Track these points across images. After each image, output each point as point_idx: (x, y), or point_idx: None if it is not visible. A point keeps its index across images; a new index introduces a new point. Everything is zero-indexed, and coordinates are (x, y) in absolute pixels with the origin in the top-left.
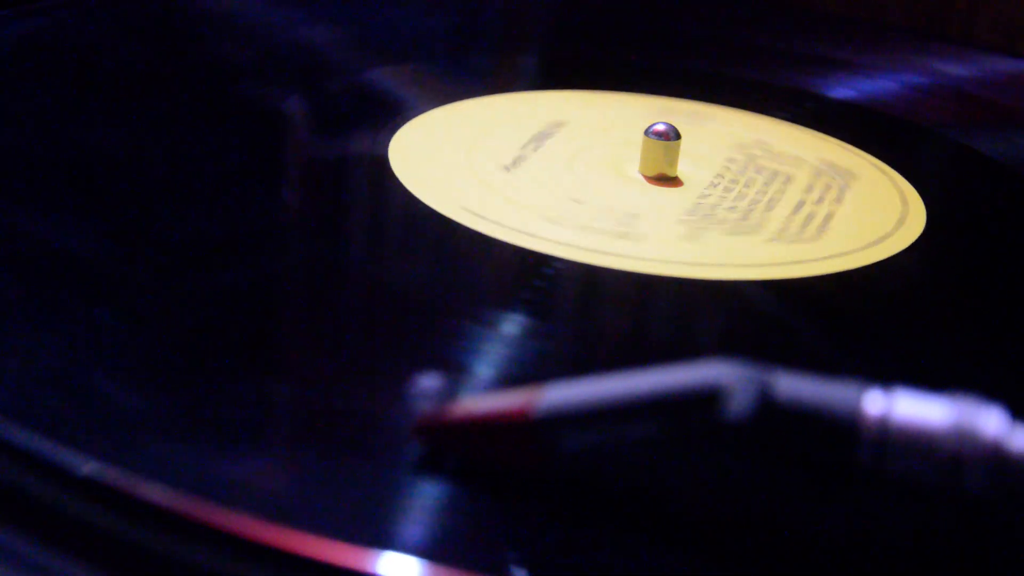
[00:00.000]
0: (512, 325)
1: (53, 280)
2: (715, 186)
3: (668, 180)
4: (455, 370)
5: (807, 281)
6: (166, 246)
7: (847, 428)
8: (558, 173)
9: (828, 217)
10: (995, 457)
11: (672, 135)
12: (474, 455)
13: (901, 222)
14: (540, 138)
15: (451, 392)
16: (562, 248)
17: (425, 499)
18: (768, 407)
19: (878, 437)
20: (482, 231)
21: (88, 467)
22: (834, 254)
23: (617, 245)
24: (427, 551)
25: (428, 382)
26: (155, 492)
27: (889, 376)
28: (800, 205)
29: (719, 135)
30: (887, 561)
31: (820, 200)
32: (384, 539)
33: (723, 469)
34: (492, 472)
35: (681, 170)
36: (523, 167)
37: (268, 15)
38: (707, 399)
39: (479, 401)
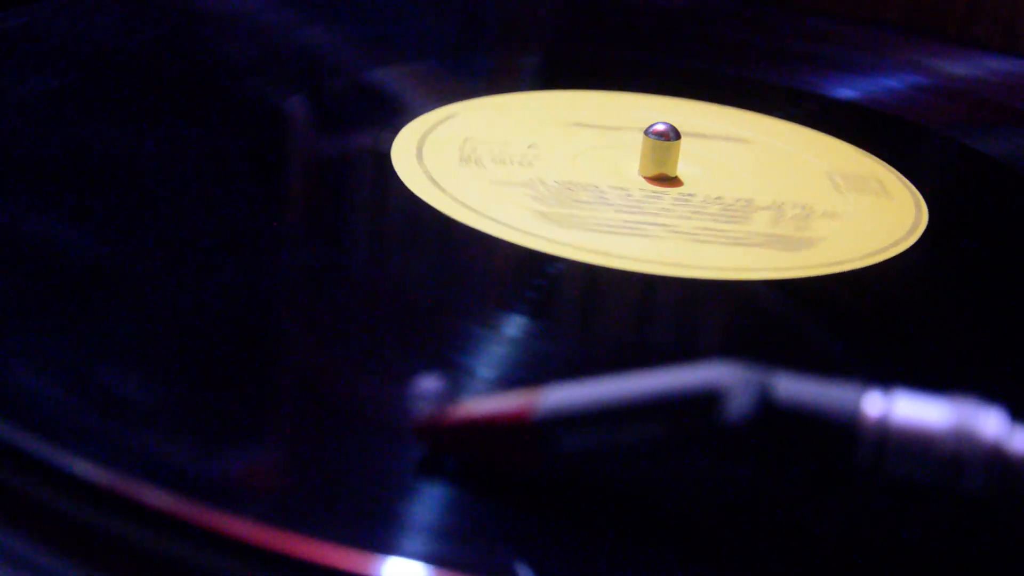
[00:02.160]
0: (513, 326)
1: (53, 279)
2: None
3: (668, 180)
4: (456, 371)
5: (807, 282)
6: (167, 245)
7: (847, 429)
8: (559, 173)
9: (827, 217)
10: (994, 458)
11: (672, 135)
12: (475, 457)
13: (902, 222)
14: (540, 139)
15: (452, 394)
16: (563, 248)
17: (426, 501)
18: (768, 408)
19: (878, 438)
20: (484, 231)
21: (88, 468)
22: (834, 255)
23: (618, 245)
24: (427, 553)
25: (429, 384)
26: (156, 494)
27: (889, 377)
28: (797, 205)
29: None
30: (887, 561)
31: (815, 203)
32: (384, 541)
33: (723, 470)
34: (493, 474)
35: (681, 170)
36: (524, 167)
37: (271, 15)
38: (707, 400)
39: (480, 403)
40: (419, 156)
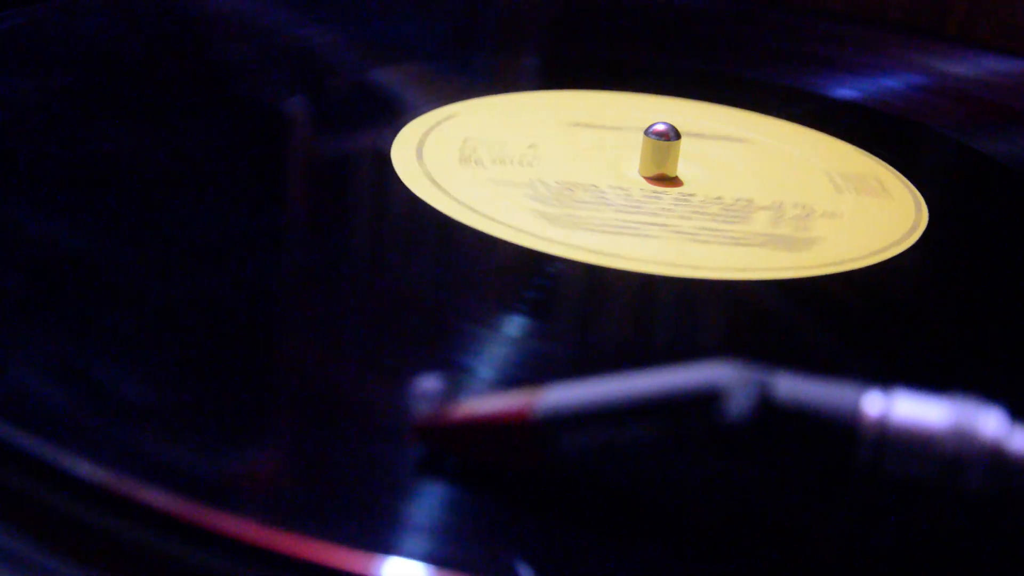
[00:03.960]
0: (513, 326)
1: (53, 279)
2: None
3: (668, 180)
4: (456, 371)
5: (807, 282)
6: (167, 245)
7: (847, 429)
8: (559, 173)
9: (827, 217)
10: (994, 457)
11: (672, 135)
12: (475, 456)
13: (902, 223)
14: (538, 138)
15: (452, 393)
16: (563, 248)
17: (426, 500)
18: (768, 408)
19: (878, 438)
20: (484, 231)
21: (87, 468)
22: (834, 255)
23: (618, 245)
24: (427, 552)
25: (429, 383)
26: (156, 494)
27: (889, 377)
28: (796, 205)
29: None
30: (887, 561)
31: (815, 203)
32: (384, 541)
33: (723, 469)
34: (493, 473)
35: (681, 170)
36: (524, 167)
37: (271, 14)
38: (707, 400)
39: (480, 402)
40: (419, 156)
